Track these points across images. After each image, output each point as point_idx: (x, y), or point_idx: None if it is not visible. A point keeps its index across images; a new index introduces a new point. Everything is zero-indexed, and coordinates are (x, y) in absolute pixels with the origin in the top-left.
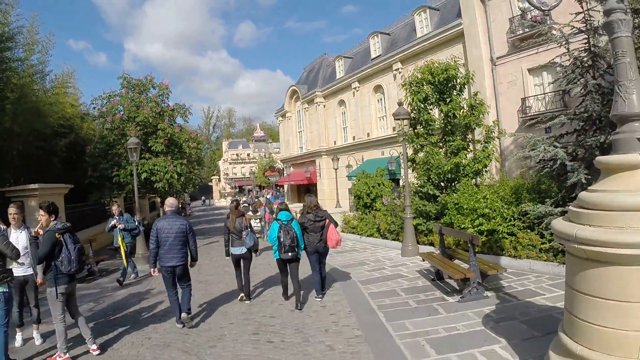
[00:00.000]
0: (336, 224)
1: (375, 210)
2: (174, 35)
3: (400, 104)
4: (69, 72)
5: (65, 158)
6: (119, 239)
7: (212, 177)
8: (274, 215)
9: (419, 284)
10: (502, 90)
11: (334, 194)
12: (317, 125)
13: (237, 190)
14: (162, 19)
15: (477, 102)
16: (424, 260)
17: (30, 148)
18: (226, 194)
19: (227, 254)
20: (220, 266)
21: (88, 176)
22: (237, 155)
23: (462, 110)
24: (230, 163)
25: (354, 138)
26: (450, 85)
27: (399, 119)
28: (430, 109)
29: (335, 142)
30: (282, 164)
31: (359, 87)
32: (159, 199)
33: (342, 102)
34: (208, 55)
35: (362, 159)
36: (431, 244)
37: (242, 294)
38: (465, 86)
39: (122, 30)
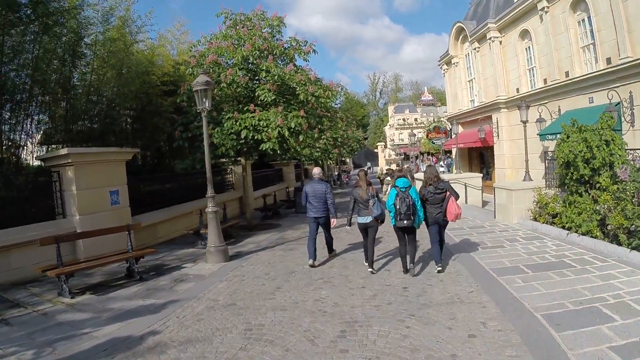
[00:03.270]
0: (457, 197)
1: (599, 189)
2: (333, 5)
3: None
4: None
5: (174, 120)
6: None
7: (377, 144)
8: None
9: None
10: None
11: (519, 161)
12: (492, 69)
13: (402, 156)
14: None
15: None
16: None
17: (121, 108)
18: (391, 161)
19: (349, 222)
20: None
21: (176, 139)
22: (403, 120)
23: None
24: (396, 128)
25: (545, 81)
26: None
27: None
28: None
29: (518, 90)
30: (449, 124)
31: (548, 6)
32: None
33: (525, 34)
34: (370, 23)
35: (559, 110)
36: None
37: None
38: None
39: (280, 6)
